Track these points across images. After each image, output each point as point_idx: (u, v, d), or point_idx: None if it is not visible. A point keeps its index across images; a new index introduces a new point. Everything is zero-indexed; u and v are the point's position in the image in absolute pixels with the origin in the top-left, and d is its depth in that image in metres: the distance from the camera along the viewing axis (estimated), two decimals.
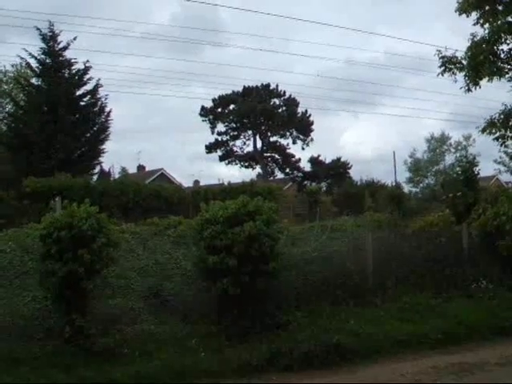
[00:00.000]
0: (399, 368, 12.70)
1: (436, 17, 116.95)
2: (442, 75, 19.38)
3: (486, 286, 17.91)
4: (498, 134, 18.85)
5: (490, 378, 11.98)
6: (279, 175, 70.63)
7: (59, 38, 37.34)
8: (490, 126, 18.60)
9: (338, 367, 12.82)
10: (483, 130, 18.67)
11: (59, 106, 35.19)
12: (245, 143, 69.44)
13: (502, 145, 19.61)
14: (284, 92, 66.09)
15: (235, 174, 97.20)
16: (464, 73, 19.08)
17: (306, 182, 64.40)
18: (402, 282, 17.46)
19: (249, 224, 13.93)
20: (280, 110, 66.28)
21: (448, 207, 23.12)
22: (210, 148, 68.89)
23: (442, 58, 19.19)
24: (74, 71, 38.08)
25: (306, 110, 65.65)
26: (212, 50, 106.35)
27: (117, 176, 49.39)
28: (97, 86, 38.32)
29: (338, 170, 67.23)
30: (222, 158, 70.26)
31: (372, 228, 19.99)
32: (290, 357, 12.69)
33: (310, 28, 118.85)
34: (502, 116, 18.72)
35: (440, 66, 19.27)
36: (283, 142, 68.53)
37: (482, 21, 18.54)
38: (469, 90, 19.12)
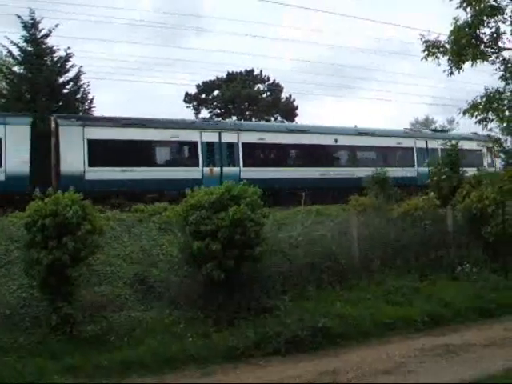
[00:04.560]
0: (385, 350, 12.82)
1: (420, 5, 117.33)
2: (426, 59, 19.25)
3: (471, 268, 18.06)
4: (480, 116, 18.87)
5: (474, 358, 12.14)
6: None
7: (41, 26, 36.97)
8: (472, 109, 18.57)
9: (324, 350, 12.93)
10: (464, 112, 18.65)
11: (40, 93, 34.90)
12: None
13: (484, 128, 19.66)
14: (268, 77, 65.88)
15: None
16: (447, 57, 19.02)
17: None
18: (387, 265, 17.58)
19: (233, 208, 13.94)
20: (264, 96, 66.11)
21: (433, 190, 23.23)
22: None
23: (426, 42, 19.08)
24: (56, 59, 37.76)
25: (290, 95, 65.55)
26: (195, 36, 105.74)
27: None
28: (79, 73, 38.02)
29: None
30: None
31: (357, 212, 20.03)
32: (277, 341, 12.77)
33: (294, 13, 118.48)
34: (484, 99, 18.73)
35: (423, 51, 19.16)
36: None
37: (464, 4, 18.47)
38: (452, 73, 19.12)
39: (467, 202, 19.94)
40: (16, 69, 38.55)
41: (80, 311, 13.04)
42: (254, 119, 61.31)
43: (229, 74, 63.86)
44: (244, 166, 30.12)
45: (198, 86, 64.22)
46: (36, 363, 11.42)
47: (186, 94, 64.48)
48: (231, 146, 30.34)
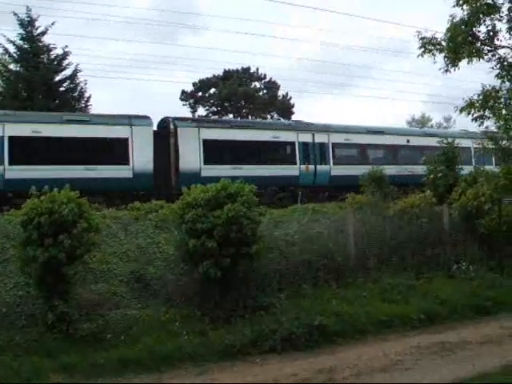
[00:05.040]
0: (382, 348, 12.82)
1: (418, 4, 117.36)
2: (422, 56, 19.30)
3: (467, 266, 18.07)
4: (476, 114, 18.91)
5: (471, 356, 12.14)
6: None
7: (37, 23, 36.95)
8: (468, 107, 18.62)
9: (320, 348, 12.94)
10: (461, 110, 18.70)
11: (36, 91, 34.86)
12: None
13: (480, 125, 19.70)
14: (264, 75, 65.70)
15: None
16: (443, 54, 19.02)
17: None
18: (383, 262, 17.58)
19: (227, 206, 13.93)
20: (261, 93, 65.99)
21: (429, 188, 23.24)
22: None
23: (422, 39, 19.11)
24: (52, 56, 37.71)
25: (287, 93, 65.45)
26: (191, 34, 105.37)
27: None
28: (75, 72, 38.00)
29: None
30: None
31: (353, 210, 20.02)
32: (273, 339, 12.78)
33: (290, 11, 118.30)
34: (480, 97, 18.76)
35: (420, 48, 19.19)
36: None
37: (461, 2, 18.49)
38: (447, 71, 19.13)
39: (463, 200, 19.95)
40: (12, 67, 38.56)
41: (76, 309, 13.00)
42: (250, 117, 61.24)
43: (225, 72, 63.62)
44: (334, 164, 33.05)
45: (194, 84, 64.04)
46: (32, 362, 11.39)
47: (183, 92, 64.32)
48: (322, 145, 33.03)
